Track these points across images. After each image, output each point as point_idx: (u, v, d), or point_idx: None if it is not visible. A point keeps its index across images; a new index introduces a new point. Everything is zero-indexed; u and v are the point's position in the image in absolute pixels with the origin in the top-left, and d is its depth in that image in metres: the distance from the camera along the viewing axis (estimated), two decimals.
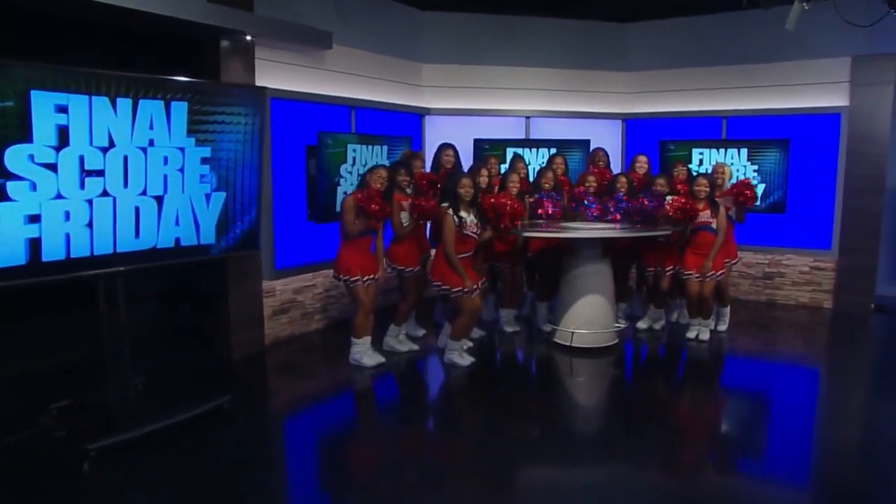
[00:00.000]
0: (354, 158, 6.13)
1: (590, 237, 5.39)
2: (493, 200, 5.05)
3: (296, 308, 5.98)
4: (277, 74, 5.57)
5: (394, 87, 6.99)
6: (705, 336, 5.85)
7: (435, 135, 7.15)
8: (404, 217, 5.24)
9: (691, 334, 5.87)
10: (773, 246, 7.30)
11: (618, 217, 5.68)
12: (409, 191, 5.31)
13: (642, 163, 6.35)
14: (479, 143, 7.25)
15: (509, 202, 5.06)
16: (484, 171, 5.45)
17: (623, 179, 5.92)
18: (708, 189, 5.58)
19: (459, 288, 4.88)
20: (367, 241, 4.99)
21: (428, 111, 7.41)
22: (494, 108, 7.56)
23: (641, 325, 6.19)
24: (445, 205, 4.97)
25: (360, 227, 4.85)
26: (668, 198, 5.68)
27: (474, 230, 4.94)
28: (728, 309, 6.14)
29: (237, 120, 4.41)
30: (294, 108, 5.79)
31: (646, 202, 5.57)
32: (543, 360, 5.46)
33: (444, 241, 4.84)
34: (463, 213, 4.85)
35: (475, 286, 4.95)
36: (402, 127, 7.06)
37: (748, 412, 4.49)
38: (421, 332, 5.97)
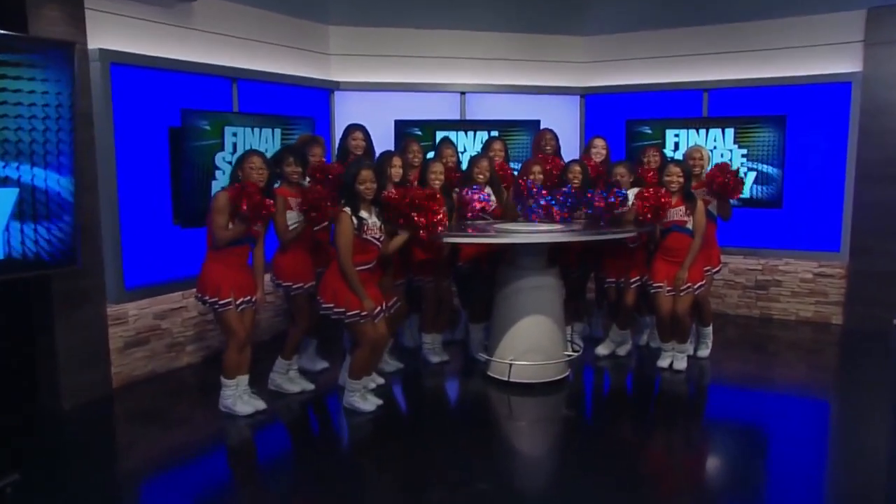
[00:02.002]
0: (235, 145, 5.77)
1: (528, 242, 5.03)
2: (394, 197, 4.68)
3: (158, 338, 5.56)
4: (121, 32, 5.18)
5: (291, 55, 6.76)
6: (681, 364, 5.57)
7: (346, 115, 6.89)
8: (291, 218, 4.89)
9: (664, 362, 5.61)
10: (767, 248, 7.18)
11: (565, 216, 5.37)
12: (305, 183, 5.03)
13: (599, 147, 6.11)
14: (401, 126, 7.07)
15: (423, 198, 4.70)
16: (397, 160, 5.13)
17: (576, 168, 5.62)
18: (682, 179, 5.29)
19: (356, 311, 4.49)
20: (243, 252, 4.62)
21: (337, 85, 7.23)
22: (421, 81, 7.42)
23: (602, 350, 5.94)
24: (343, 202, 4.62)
25: (234, 233, 4.47)
26: (631, 191, 5.42)
27: (377, 235, 4.58)
28: (710, 329, 5.90)
29: (32, 88, 3.87)
30: (150, 78, 5.40)
31: (596, 197, 5.26)
32: (476, 399, 5.22)
33: (338, 249, 4.48)
34: (363, 213, 4.52)
35: (378, 308, 4.58)
36: (303, 105, 6.83)
37: (739, 459, 4.27)
38: (321, 366, 5.62)
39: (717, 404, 5.28)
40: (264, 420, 4.67)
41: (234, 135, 5.76)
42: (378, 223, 4.59)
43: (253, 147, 5.76)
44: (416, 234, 4.69)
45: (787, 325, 6.96)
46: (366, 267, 4.56)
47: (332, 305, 4.51)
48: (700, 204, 5.31)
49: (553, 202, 5.35)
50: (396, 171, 5.05)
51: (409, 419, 4.90)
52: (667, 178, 5.28)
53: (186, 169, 5.46)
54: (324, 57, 7.16)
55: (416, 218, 4.61)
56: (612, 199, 5.24)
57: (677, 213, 5.26)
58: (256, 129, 5.93)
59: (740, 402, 5.21)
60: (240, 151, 5.68)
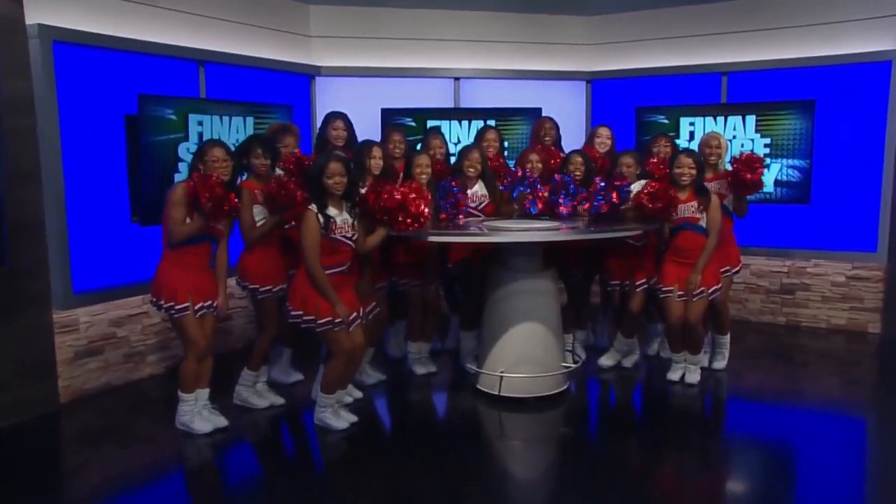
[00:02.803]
0: (201, 134, 5.64)
1: (520, 241, 4.87)
2: (371, 193, 4.55)
3: (115, 347, 5.41)
4: (68, 7, 5.05)
5: (267, 36, 6.64)
6: (694, 377, 5.38)
7: (328, 103, 6.74)
8: (258, 213, 4.75)
9: (674, 375, 5.43)
10: (795, 248, 7.00)
11: (569, 209, 5.26)
12: (278, 172, 4.91)
13: (604, 137, 5.99)
14: (389, 115, 6.99)
15: (402, 193, 4.55)
16: (377, 151, 5.04)
17: (578, 159, 5.47)
18: (694, 171, 5.09)
19: (327, 318, 4.35)
20: (203, 252, 4.50)
21: (318, 70, 7.11)
22: (411, 66, 7.31)
23: (605, 361, 5.76)
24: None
25: (192, 228, 4.34)
26: (636, 184, 5.26)
27: (348, 234, 4.44)
28: (727, 338, 5.70)
29: None
30: (103, 59, 5.26)
31: (595, 191, 5.13)
32: (464, 415, 5.10)
33: (304, 251, 4.36)
34: (332, 210, 4.38)
35: (354, 315, 4.45)
36: (281, 92, 6.71)
37: (761, 486, 4.08)
38: (294, 378, 5.48)
39: (735, 422, 5.09)
40: (227, 439, 4.53)
41: (200, 123, 5.63)
42: (350, 220, 4.46)
43: (221, 137, 5.62)
44: (397, 231, 4.57)
45: (817, 333, 6.79)
46: (337, 269, 4.43)
47: (300, 313, 4.38)
48: (715, 199, 5.13)
49: (554, 198, 5.23)
50: (376, 163, 4.96)
51: (388, 438, 4.78)
52: (677, 171, 5.09)
53: (145, 161, 5.32)
54: (303, 39, 7.06)
55: (397, 215, 4.49)
56: (612, 193, 5.12)
57: (688, 208, 5.08)
58: (226, 118, 5.81)
59: (763, 420, 4.99)
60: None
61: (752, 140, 6.71)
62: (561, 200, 5.20)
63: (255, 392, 4.97)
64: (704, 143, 5.49)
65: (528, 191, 5.26)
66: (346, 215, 4.41)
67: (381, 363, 5.63)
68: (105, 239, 5.31)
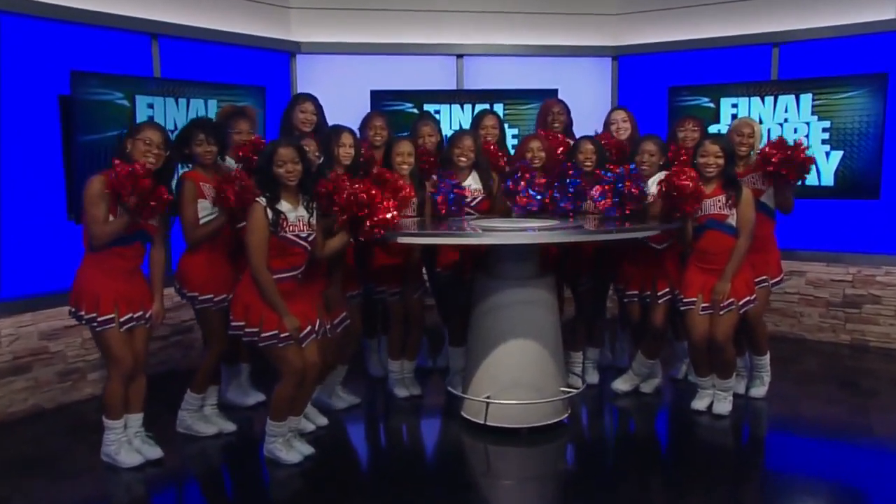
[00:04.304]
0: (152, 118, 5.60)
1: (511, 243, 4.75)
2: (328, 189, 4.47)
3: (45, 364, 5.32)
4: None
5: (237, 7, 6.59)
6: (723, 407, 5.12)
7: (310, 85, 6.73)
8: (203, 209, 4.63)
9: (700, 403, 5.22)
10: (861, 252, 6.76)
11: (568, 207, 5.18)
12: (231, 162, 4.86)
13: (620, 121, 5.86)
14: (379, 98, 6.97)
15: (368, 192, 4.47)
16: (346, 138, 4.97)
17: (588, 147, 5.32)
18: (721, 160, 4.88)
19: (272, 332, 4.23)
20: (132, 254, 4.38)
21: (298, 47, 7.07)
22: (406, 42, 7.25)
23: (621, 385, 5.57)
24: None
25: (116, 227, 4.22)
26: (655, 177, 5.08)
27: (303, 233, 4.32)
28: (766, 359, 5.44)
29: None
30: (31, 30, 5.21)
31: (599, 185, 5.00)
32: (446, 447, 5.03)
33: (248, 251, 4.24)
34: (285, 205, 4.28)
35: (309, 329, 4.36)
36: (254, 72, 6.67)
37: None
38: (255, 399, 5.38)
39: (778, 463, 4.80)
40: (158, 475, 4.42)
41: (150, 106, 5.60)
42: (307, 216, 4.35)
43: (177, 123, 5.63)
44: (361, 236, 4.50)
45: (890, 355, 6.53)
46: (288, 274, 4.31)
47: (242, 323, 4.27)
48: (747, 193, 4.90)
49: (555, 194, 5.14)
50: (345, 152, 4.93)
51: (349, 475, 4.61)
52: (701, 160, 4.89)
53: (84, 149, 5.25)
54: (282, 10, 6.99)
55: (361, 218, 4.40)
56: (620, 187, 4.97)
57: (715, 204, 4.86)
58: (182, 100, 5.80)
59: (815, 462, 4.73)
60: None
61: (808, 124, 6.53)
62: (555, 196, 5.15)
63: (202, 417, 4.87)
64: (735, 131, 5.33)
65: (522, 184, 5.18)
66: (301, 211, 4.32)
67: (359, 384, 5.54)
68: (35, 239, 5.28)
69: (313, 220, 4.33)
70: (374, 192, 4.41)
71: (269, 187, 4.24)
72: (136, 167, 4.11)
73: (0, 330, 5.05)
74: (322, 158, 4.74)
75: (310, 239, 4.33)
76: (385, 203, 4.45)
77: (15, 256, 5.15)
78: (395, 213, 4.50)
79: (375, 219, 4.41)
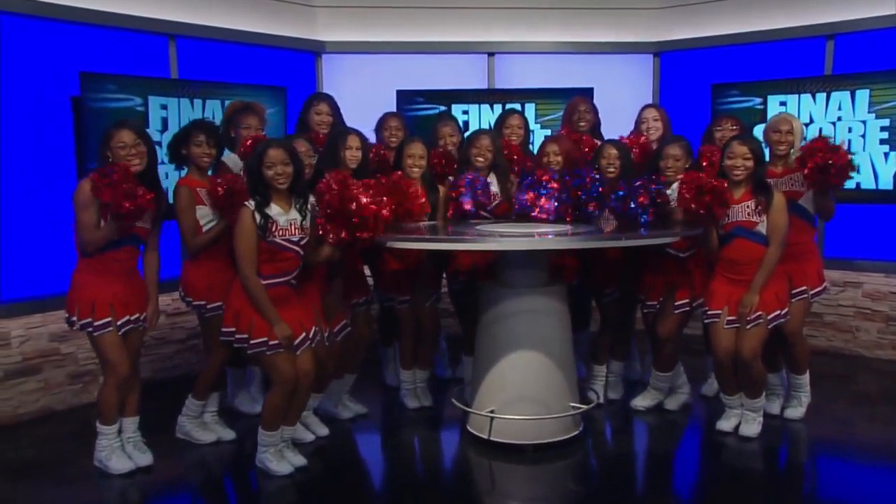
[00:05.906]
0: (165, 119, 5.64)
1: (518, 249, 4.69)
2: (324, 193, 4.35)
3: (56, 365, 5.36)
4: None
5: (260, 6, 6.60)
6: (751, 429, 4.90)
7: (335, 85, 6.76)
8: (204, 216, 4.60)
9: (726, 424, 4.99)
10: None
11: (565, 210, 5.05)
12: (235, 159, 4.93)
13: (650, 120, 5.66)
14: (405, 98, 6.87)
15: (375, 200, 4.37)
16: (353, 140, 4.90)
17: (612, 151, 5.17)
18: (750, 162, 4.66)
19: (261, 339, 4.18)
20: (128, 256, 4.38)
21: (323, 47, 7.04)
22: (435, 40, 7.19)
23: (640, 402, 5.41)
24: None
25: (106, 233, 4.21)
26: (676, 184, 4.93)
27: (294, 237, 4.27)
28: (805, 379, 5.18)
29: None
30: (45, 31, 5.27)
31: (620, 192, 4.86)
32: (449, 463, 4.94)
33: (237, 256, 4.22)
34: (275, 209, 4.23)
35: (303, 337, 4.32)
36: (276, 72, 6.66)
37: None
38: (259, 408, 5.25)
39: (820, 493, 4.56)
40: (147, 482, 4.40)
41: (164, 107, 5.63)
42: (299, 220, 4.29)
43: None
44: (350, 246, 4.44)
45: None
46: (280, 280, 4.26)
47: (232, 329, 4.24)
48: (779, 198, 4.65)
49: (564, 198, 4.99)
50: (352, 155, 4.82)
51: (344, 490, 4.47)
52: (728, 162, 4.67)
53: (90, 152, 5.18)
54: (306, 9, 6.97)
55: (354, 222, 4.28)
56: (640, 196, 4.83)
57: (743, 210, 4.65)
58: (198, 101, 5.80)
59: (863, 490, 4.46)
60: (172, 128, 5.63)
61: (864, 122, 6.21)
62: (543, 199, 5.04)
63: (201, 424, 4.86)
64: (771, 128, 5.05)
65: (531, 195, 5.08)
66: (294, 214, 4.26)
67: (373, 393, 5.52)
68: (46, 240, 5.29)
69: (307, 224, 4.28)
70: (363, 199, 4.28)
71: (261, 190, 4.21)
72: (119, 169, 4.10)
73: (9, 332, 5.11)
74: (316, 159, 4.69)
75: (302, 243, 4.27)
76: (376, 207, 4.32)
77: (22, 259, 5.21)
78: (385, 219, 4.38)
79: (361, 230, 4.29)
